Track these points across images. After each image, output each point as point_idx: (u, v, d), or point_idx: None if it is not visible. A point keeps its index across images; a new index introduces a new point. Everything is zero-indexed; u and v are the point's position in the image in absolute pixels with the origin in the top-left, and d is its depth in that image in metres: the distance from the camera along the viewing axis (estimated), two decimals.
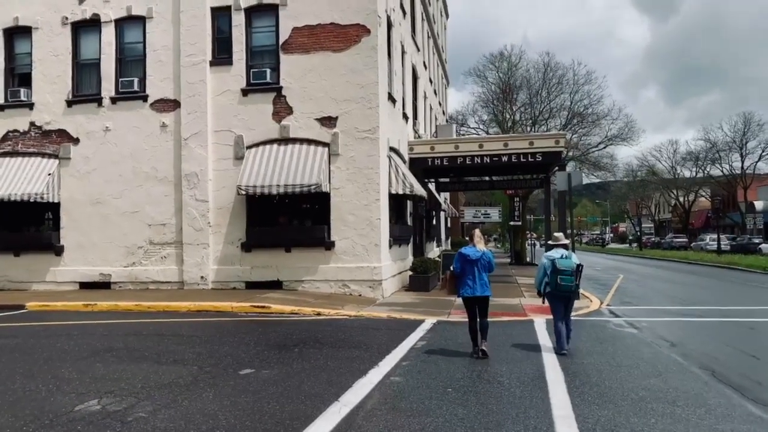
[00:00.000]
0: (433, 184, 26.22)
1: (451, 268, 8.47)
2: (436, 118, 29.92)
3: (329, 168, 15.42)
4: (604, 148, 34.60)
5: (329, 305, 13.18)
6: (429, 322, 11.59)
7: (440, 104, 33.73)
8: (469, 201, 53.62)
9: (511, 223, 38.15)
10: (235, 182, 15.22)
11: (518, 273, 25.37)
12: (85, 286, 16.50)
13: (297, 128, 15.62)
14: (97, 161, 16.60)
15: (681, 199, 75.62)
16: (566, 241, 9.15)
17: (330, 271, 15.35)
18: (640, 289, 19.69)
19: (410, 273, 17.42)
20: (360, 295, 15.14)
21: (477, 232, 8.64)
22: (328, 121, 15.51)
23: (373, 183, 15.30)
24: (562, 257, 8.50)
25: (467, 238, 9.15)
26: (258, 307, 12.51)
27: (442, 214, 31.69)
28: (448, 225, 39.95)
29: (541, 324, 11.53)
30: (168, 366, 7.44)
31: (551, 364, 7.81)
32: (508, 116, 32.72)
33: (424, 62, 25.69)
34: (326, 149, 15.41)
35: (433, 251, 27.02)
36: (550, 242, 9.60)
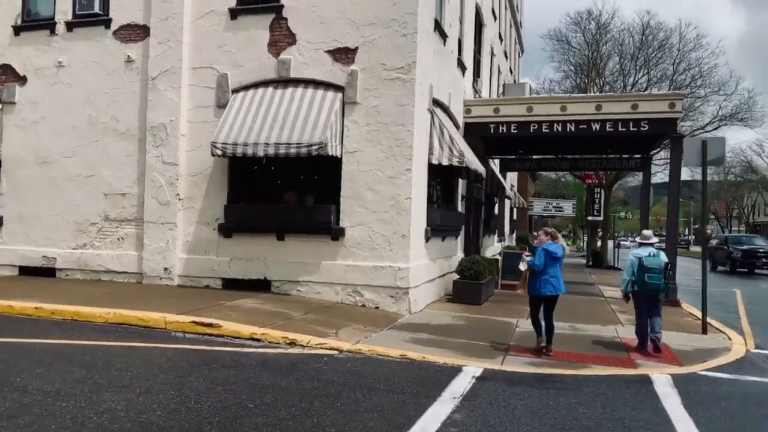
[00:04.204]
0: (497, 163, 21.11)
1: (530, 260, 8.07)
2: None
3: (342, 122, 10.73)
4: (713, 130, 28.16)
5: (319, 325, 8.54)
6: (469, 373, 6.74)
7: (511, 71, 28.32)
8: (539, 192, 47.59)
9: (590, 217, 32.34)
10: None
11: (600, 280, 19.94)
12: (26, 271, 12.56)
13: (301, 64, 10.98)
14: (46, 107, 12.55)
15: None
16: (655, 240, 8.82)
17: (337, 270, 10.70)
18: None
19: (456, 277, 12.55)
20: (377, 308, 10.42)
21: (554, 231, 8.44)
22: (343, 55, 10.77)
23: (403, 146, 10.48)
24: (649, 255, 8.35)
25: (537, 234, 8.72)
26: (203, 324, 8.01)
27: (506, 202, 26.43)
28: (514, 217, 34.49)
29: (667, 387, 6.58)
30: None
31: None
32: (595, 90, 26.87)
33: (492, 9, 20.47)
34: (339, 95, 10.71)
35: (493, 247, 21.91)
36: (638, 240, 9.13)
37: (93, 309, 8.59)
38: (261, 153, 10.34)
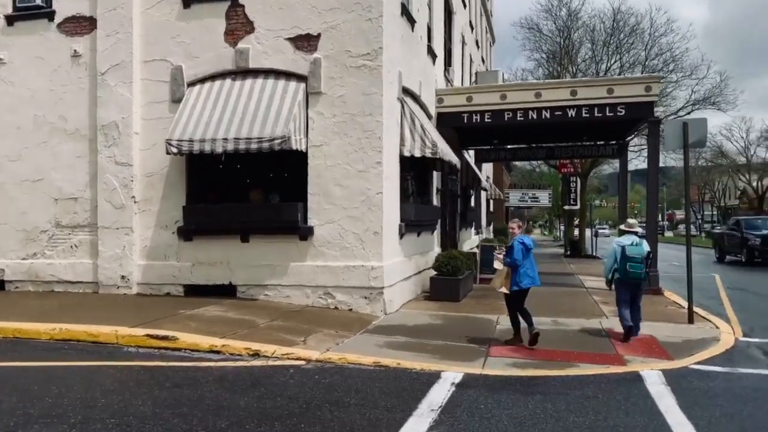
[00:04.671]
0: (472, 154, 20.65)
1: (508, 260, 7.74)
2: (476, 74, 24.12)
3: (306, 113, 10.09)
4: (686, 115, 28.03)
5: (286, 333, 7.92)
6: (448, 379, 6.19)
7: (483, 61, 27.88)
8: (515, 183, 47.37)
9: (566, 207, 32.10)
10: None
11: (579, 270, 19.58)
12: None
13: (260, 53, 10.31)
14: None
15: (755, 184, 67.15)
16: (639, 229, 8.74)
17: (306, 271, 10.07)
18: (763, 301, 13.75)
19: (433, 273, 12.00)
20: (350, 310, 9.83)
21: (519, 221, 8.42)
22: (305, 42, 10.13)
23: (372, 137, 9.89)
24: (632, 244, 8.27)
25: (511, 228, 8.28)
26: (157, 338, 7.33)
27: (483, 193, 26.02)
28: (491, 208, 34.16)
29: (659, 385, 6.12)
30: None
31: None
32: (568, 77, 26.54)
33: None
34: (303, 85, 10.06)
35: (470, 240, 21.47)
36: (622, 227, 8.96)
37: (37, 325, 7.85)
38: (219, 149, 9.65)
